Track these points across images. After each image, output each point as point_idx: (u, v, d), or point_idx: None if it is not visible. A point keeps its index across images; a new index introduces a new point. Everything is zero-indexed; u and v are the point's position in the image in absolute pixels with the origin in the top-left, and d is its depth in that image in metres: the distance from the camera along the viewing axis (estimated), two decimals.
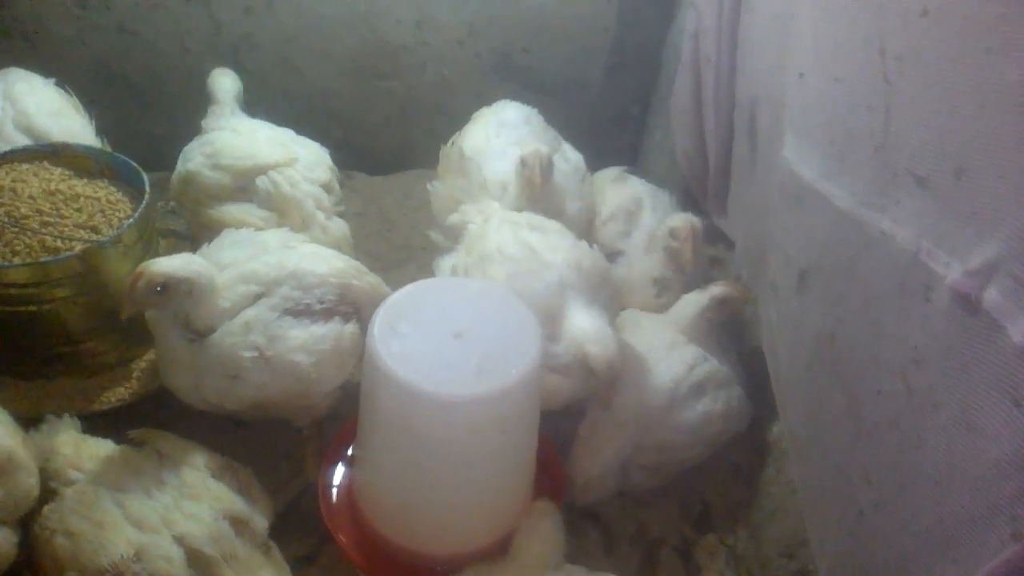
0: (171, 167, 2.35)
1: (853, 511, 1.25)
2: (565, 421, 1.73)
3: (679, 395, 1.66)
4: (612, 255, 1.97)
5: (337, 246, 1.92)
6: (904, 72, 1.11)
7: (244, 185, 1.96)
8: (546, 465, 1.67)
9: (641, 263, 1.98)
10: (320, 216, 2.00)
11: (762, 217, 1.76)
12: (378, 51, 2.46)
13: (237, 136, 2.01)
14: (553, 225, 1.77)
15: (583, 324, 1.57)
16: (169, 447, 1.50)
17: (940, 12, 1.02)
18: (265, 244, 1.71)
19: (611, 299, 1.71)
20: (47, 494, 1.45)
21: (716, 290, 1.78)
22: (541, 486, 1.63)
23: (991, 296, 0.92)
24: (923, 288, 1.05)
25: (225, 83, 2.12)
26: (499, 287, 1.55)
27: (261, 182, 1.95)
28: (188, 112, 2.16)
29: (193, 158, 1.98)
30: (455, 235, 1.86)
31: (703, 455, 1.72)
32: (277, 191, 1.94)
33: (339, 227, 2.03)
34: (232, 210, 1.94)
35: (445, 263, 1.83)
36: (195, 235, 2.05)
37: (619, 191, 2.11)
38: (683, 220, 1.88)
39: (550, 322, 1.57)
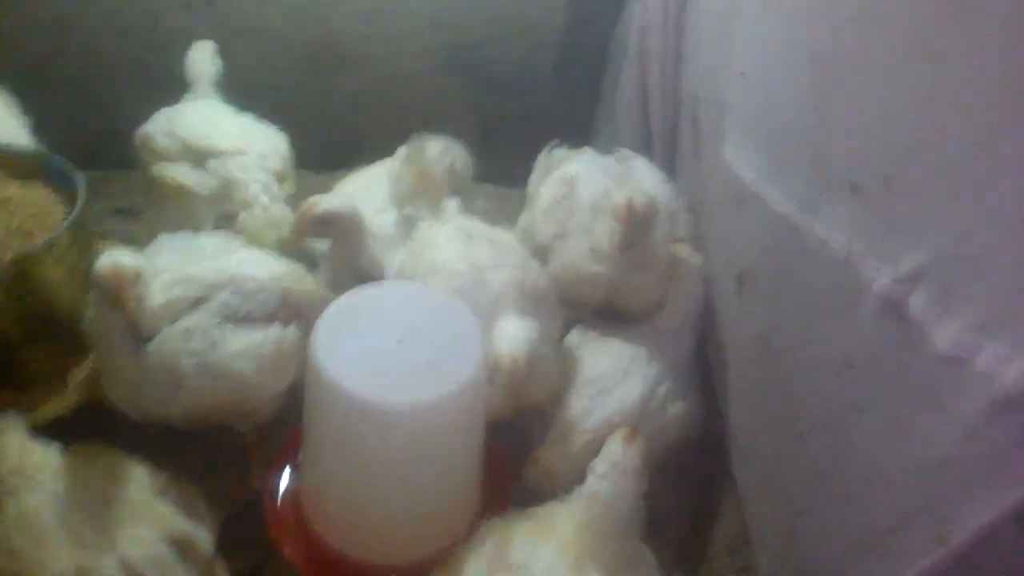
0: (113, 165, 2.31)
1: (790, 511, 1.27)
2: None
3: (646, 413, 1.64)
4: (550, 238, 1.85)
5: (275, 227, 1.97)
6: (836, 78, 1.12)
7: (195, 162, 2.01)
8: (494, 472, 1.66)
9: (579, 240, 1.79)
10: (263, 199, 2.00)
11: (706, 213, 1.78)
12: (327, 45, 2.42)
13: (199, 115, 2.06)
14: (506, 238, 1.76)
15: (503, 326, 1.55)
16: (115, 462, 1.46)
17: (869, 20, 1.04)
18: (203, 248, 1.67)
19: (552, 317, 1.69)
20: None
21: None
22: (488, 493, 1.62)
23: (917, 303, 0.93)
24: (854, 293, 1.06)
25: (199, 62, 2.14)
26: (442, 292, 1.54)
27: (213, 164, 1.99)
28: (128, 108, 2.09)
29: (156, 121, 2.05)
30: (409, 225, 1.85)
31: (658, 460, 1.71)
32: (227, 175, 1.99)
33: (281, 212, 2.03)
34: (177, 170, 2.01)
35: (394, 258, 1.81)
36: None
37: (549, 180, 1.93)
38: (622, 198, 1.67)
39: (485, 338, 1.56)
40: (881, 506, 1.01)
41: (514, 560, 1.33)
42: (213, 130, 2.03)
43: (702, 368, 1.79)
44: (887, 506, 1.00)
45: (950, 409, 0.88)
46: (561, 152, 1.94)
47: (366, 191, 2.05)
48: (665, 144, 2.02)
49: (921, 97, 0.94)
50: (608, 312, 1.83)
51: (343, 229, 1.78)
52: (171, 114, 2.06)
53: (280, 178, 2.08)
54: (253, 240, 1.94)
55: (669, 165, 2.03)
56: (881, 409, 1.01)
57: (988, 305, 0.83)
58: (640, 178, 1.85)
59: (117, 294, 1.46)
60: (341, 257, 1.82)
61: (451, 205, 1.86)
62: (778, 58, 1.30)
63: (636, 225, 1.65)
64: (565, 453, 1.60)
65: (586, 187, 1.82)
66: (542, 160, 1.95)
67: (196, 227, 1.99)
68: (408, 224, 1.87)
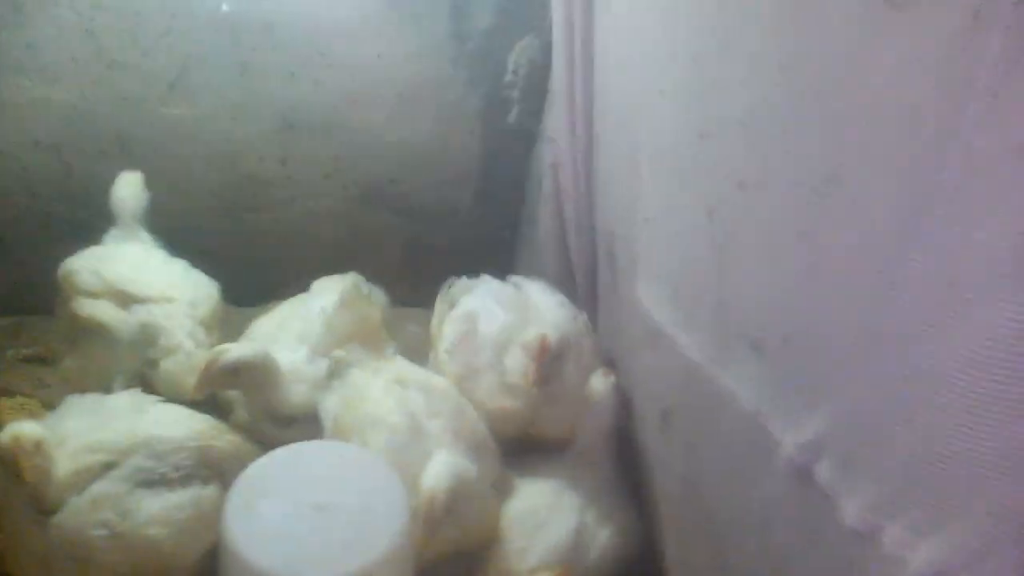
0: (27, 311, 2.24)
1: None
2: None
3: (581, 543, 1.63)
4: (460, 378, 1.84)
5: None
6: (731, 237, 1.17)
7: (119, 303, 1.96)
8: None
9: (488, 377, 1.79)
10: (188, 344, 1.96)
11: (627, 348, 1.80)
12: (243, 187, 2.42)
13: (129, 258, 2.04)
14: (441, 384, 1.75)
15: (432, 462, 1.52)
16: None
17: (755, 187, 1.08)
18: (114, 409, 1.62)
19: (489, 462, 1.68)
20: None
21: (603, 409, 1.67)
22: None
23: (822, 472, 0.95)
24: (766, 451, 1.08)
25: (125, 195, 2.10)
26: (363, 451, 1.50)
27: (137, 308, 1.94)
28: (41, 256, 2.04)
29: (83, 257, 2.01)
30: (339, 373, 1.79)
31: None
32: (152, 321, 1.95)
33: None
34: (98, 307, 1.96)
35: (326, 403, 1.77)
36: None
37: (450, 318, 1.94)
38: (533, 336, 1.71)
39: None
40: None
41: None
42: (141, 275, 2.00)
43: (628, 495, 1.78)
44: None
45: None
46: (460, 285, 1.96)
47: (281, 329, 2.01)
48: (586, 277, 2.06)
49: (811, 263, 0.98)
50: (522, 442, 1.82)
51: (254, 377, 1.74)
52: (100, 253, 2.02)
53: (207, 326, 2.04)
54: (174, 389, 1.89)
55: (591, 296, 2.06)
56: (804, 572, 1.01)
57: (889, 482, 0.83)
58: (539, 307, 1.87)
59: (16, 466, 1.40)
60: (254, 401, 1.78)
61: (389, 350, 1.83)
62: (678, 211, 1.35)
63: (549, 361, 1.67)
64: None
65: (487, 323, 1.83)
66: (441, 297, 1.96)
67: (116, 372, 1.96)
68: (339, 368, 1.83)
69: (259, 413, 1.78)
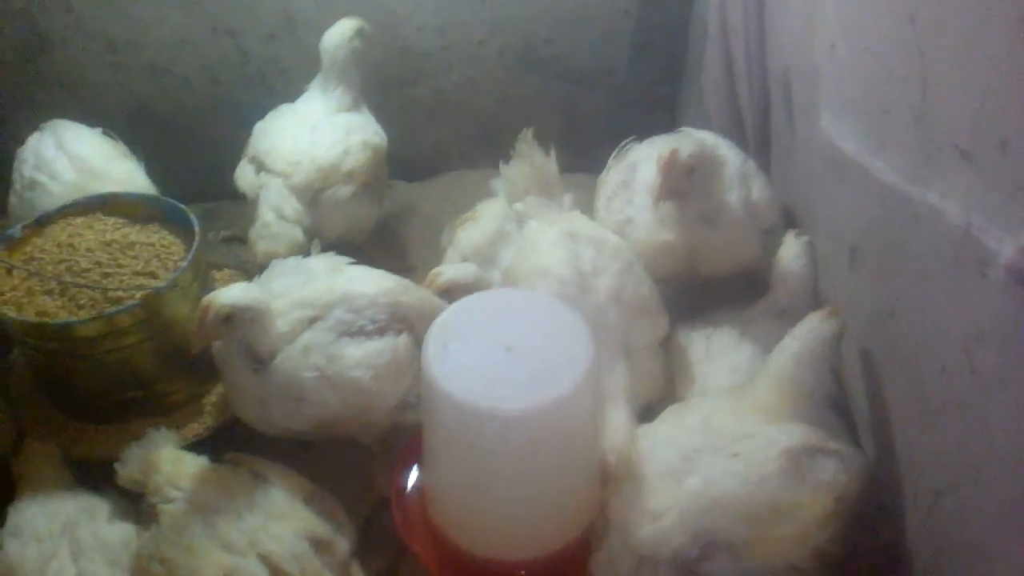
0: (215, 197, 2.42)
1: (928, 493, 1.23)
2: None
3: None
4: (619, 225, 1.87)
5: (277, 244, 1.99)
6: (937, 42, 1.08)
7: (256, 171, 2.09)
8: None
9: (645, 217, 1.81)
10: (268, 216, 2.03)
11: (807, 187, 1.73)
12: (402, 59, 2.46)
13: (277, 127, 2.12)
14: (613, 243, 1.75)
15: (609, 418, 1.54)
16: (265, 469, 1.58)
17: None
18: (313, 271, 1.74)
19: (654, 322, 1.69)
20: (147, 509, 1.54)
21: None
22: None
23: None
24: (978, 264, 1.02)
25: (332, 44, 2.12)
26: (547, 297, 1.55)
27: (264, 178, 2.06)
28: (225, 142, 2.20)
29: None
30: (519, 223, 1.86)
31: None
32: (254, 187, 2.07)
33: (287, 231, 2.04)
34: (242, 169, 2.12)
35: (504, 256, 1.84)
36: None
37: (615, 168, 1.95)
38: (663, 149, 1.70)
39: None
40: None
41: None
42: (276, 143, 2.07)
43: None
44: None
45: None
46: (633, 146, 1.95)
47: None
48: (756, 121, 1.97)
49: None
50: (703, 287, 1.81)
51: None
52: (265, 121, 2.13)
53: (309, 194, 2.05)
54: (263, 255, 1.98)
55: (763, 141, 1.98)
56: (1020, 383, 0.97)
57: None
58: (701, 138, 1.82)
59: (221, 327, 1.55)
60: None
61: (566, 199, 1.86)
62: (870, 25, 1.26)
63: (678, 173, 1.63)
64: None
65: (646, 169, 1.82)
66: (613, 157, 1.96)
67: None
68: (518, 221, 1.88)
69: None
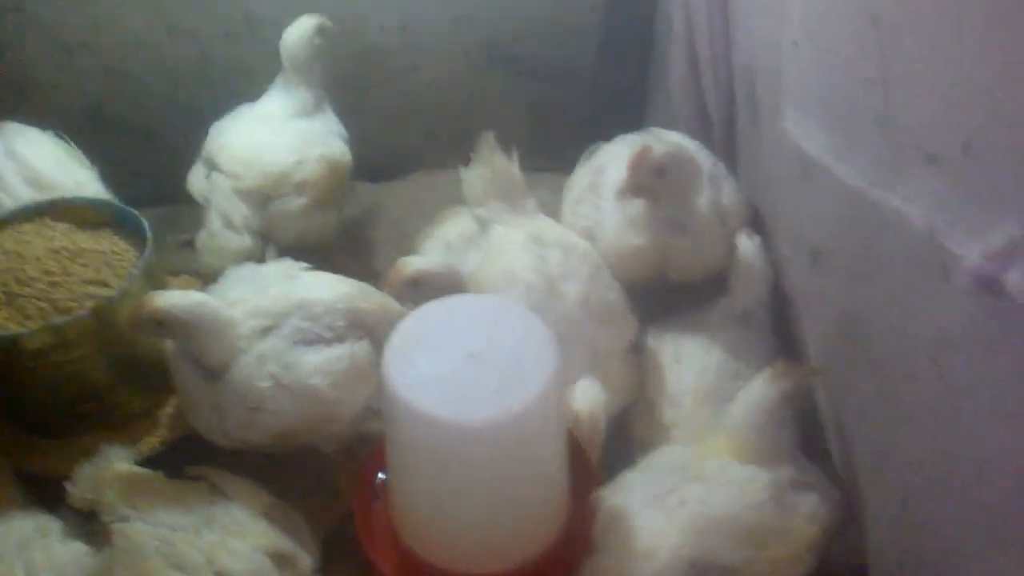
0: (174, 200, 2.36)
1: (897, 497, 1.22)
2: None
3: None
4: (587, 230, 1.85)
5: (221, 255, 1.96)
6: (901, 43, 1.06)
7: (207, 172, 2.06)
8: (580, 470, 1.65)
9: (614, 220, 1.78)
10: (215, 223, 1.99)
11: (771, 188, 1.72)
12: (366, 60, 2.42)
13: (232, 128, 2.07)
14: (579, 244, 1.73)
15: (578, 387, 1.55)
16: (224, 482, 1.54)
17: None
18: (268, 277, 1.70)
19: (622, 327, 1.68)
20: (100, 529, 1.49)
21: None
22: (579, 483, 1.61)
23: (1014, 278, 0.87)
24: (942, 269, 1.01)
25: (292, 42, 2.06)
26: (511, 303, 1.53)
27: (215, 178, 2.02)
28: (185, 144, 2.14)
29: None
30: (482, 228, 1.82)
31: None
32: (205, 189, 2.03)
33: (233, 242, 2.00)
34: (193, 173, 2.08)
35: (470, 260, 1.81)
36: None
37: (581, 170, 1.94)
38: (634, 148, 1.69)
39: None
40: (998, 490, 0.96)
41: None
42: (227, 142, 2.02)
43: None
44: (1005, 490, 0.94)
45: None
46: (600, 147, 1.93)
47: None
48: (722, 121, 1.96)
49: (997, 59, 0.88)
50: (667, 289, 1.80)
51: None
52: (220, 123, 2.07)
53: (259, 198, 1.99)
54: (208, 268, 1.95)
55: (729, 142, 1.96)
56: (985, 389, 0.95)
57: None
58: (674, 141, 1.81)
59: (154, 330, 1.50)
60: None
61: (530, 203, 1.82)
62: (833, 24, 1.24)
63: (647, 171, 1.60)
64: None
65: (613, 171, 1.79)
66: (581, 160, 1.94)
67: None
68: (481, 226, 1.84)
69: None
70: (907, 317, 1.12)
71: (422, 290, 1.64)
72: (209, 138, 2.08)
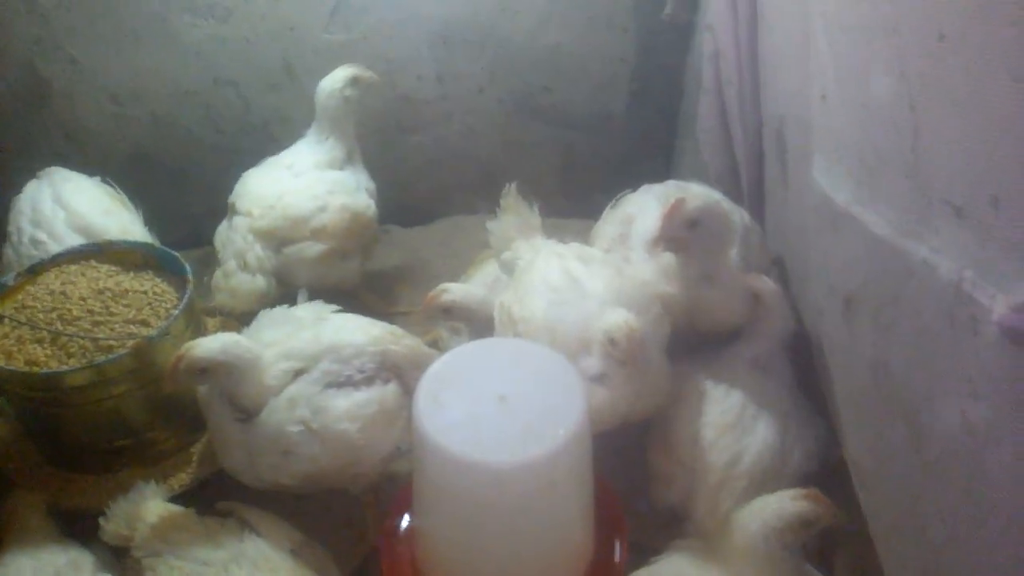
0: (212, 243, 2.43)
1: (928, 546, 1.20)
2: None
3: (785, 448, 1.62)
4: None
5: (234, 296, 2.01)
6: (928, 97, 1.07)
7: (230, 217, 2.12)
8: (604, 502, 1.64)
9: (642, 267, 1.79)
10: (230, 264, 2.03)
11: (800, 238, 1.72)
12: (401, 107, 2.49)
13: (258, 174, 2.14)
14: (602, 256, 1.76)
15: (609, 314, 1.54)
16: (254, 519, 1.56)
17: (958, 38, 0.99)
18: (300, 320, 1.73)
19: (657, 322, 1.66)
20: (132, 564, 1.51)
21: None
22: (602, 525, 1.61)
23: None
24: (971, 320, 1.01)
25: (319, 95, 2.11)
26: (541, 347, 1.54)
27: (236, 221, 2.07)
28: (225, 188, 2.21)
29: None
30: (509, 271, 1.86)
31: None
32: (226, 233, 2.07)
33: (246, 284, 2.03)
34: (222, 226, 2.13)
35: (496, 301, 1.83)
36: None
37: (610, 219, 1.96)
38: (662, 198, 1.77)
39: (586, 349, 1.56)
40: None
41: None
42: (249, 186, 2.07)
43: (808, 393, 1.74)
44: None
45: None
46: (626, 197, 1.96)
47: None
48: (751, 170, 1.98)
49: (1016, 117, 0.89)
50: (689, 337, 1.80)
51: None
52: (260, 164, 2.14)
53: (276, 241, 2.03)
54: (221, 308, 1.99)
55: (757, 191, 1.98)
56: (1013, 440, 0.95)
57: None
58: (702, 193, 1.82)
59: (195, 377, 1.53)
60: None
61: (547, 240, 1.86)
62: (862, 77, 1.26)
63: (680, 223, 1.61)
64: (723, 501, 1.59)
65: (642, 222, 1.83)
66: (607, 209, 1.97)
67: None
68: (507, 270, 1.88)
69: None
70: (935, 367, 1.12)
71: (452, 317, 1.77)
72: (236, 185, 2.13)
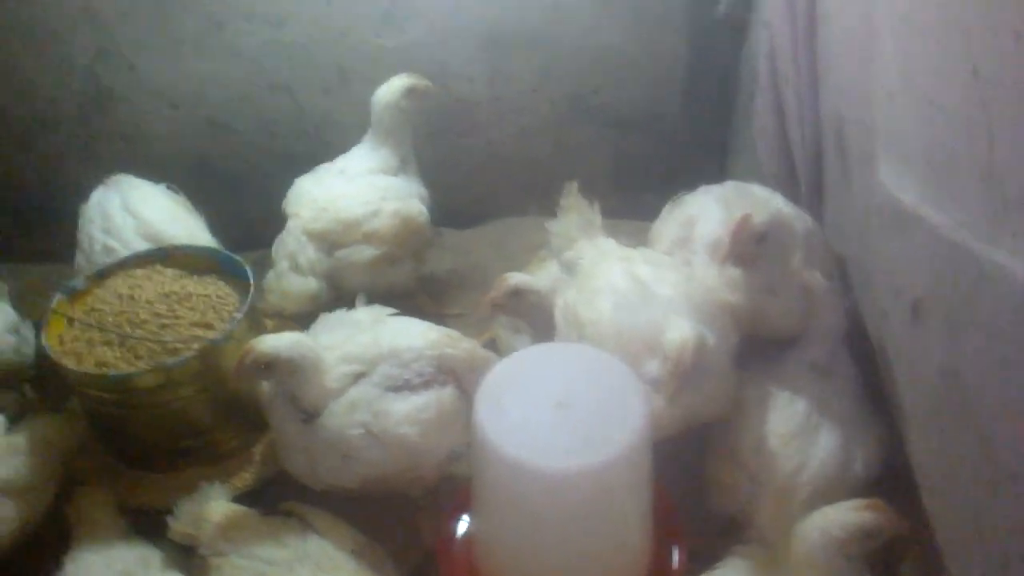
0: (268, 246, 2.47)
1: (998, 560, 1.17)
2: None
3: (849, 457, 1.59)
4: None
5: (285, 297, 2.03)
6: (1002, 97, 1.04)
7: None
8: (661, 508, 1.63)
9: (707, 275, 1.77)
10: (283, 264, 2.06)
11: (862, 239, 1.69)
12: (454, 110, 2.50)
13: (313, 179, 2.17)
14: (668, 260, 1.75)
15: (672, 321, 1.52)
16: (317, 521, 1.59)
17: None
18: (359, 323, 1.75)
19: (725, 331, 1.64)
20: (199, 562, 1.55)
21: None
22: (659, 531, 1.60)
23: None
24: None
25: (382, 102, 2.12)
26: (602, 353, 1.53)
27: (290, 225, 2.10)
28: (281, 193, 2.24)
29: None
30: (570, 271, 1.84)
31: None
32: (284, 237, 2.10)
33: (296, 285, 2.06)
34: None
35: (559, 300, 1.83)
36: None
37: (669, 221, 1.94)
38: (722, 202, 1.77)
39: (651, 354, 1.54)
40: None
41: None
42: (303, 190, 2.11)
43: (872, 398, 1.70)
44: None
45: None
46: (685, 198, 1.94)
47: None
48: (809, 169, 1.94)
49: None
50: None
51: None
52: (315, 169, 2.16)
53: (329, 243, 2.06)
54: (273, 308, 2.02)
55: (815, 193, 1.94)
56: None
57: None
58: (764, 200, 1.81)
59: (261, 372, 1.56)
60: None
61: (610, 241, 1.84)
62: (932, 75, 1.23)
63: (748, 239, 1.59)
64: (787, 510, 1.55)
65: (704, 223, 1.81)
66: (666, 209, 1.94)
67: None
68: (570, 266, 1.85)
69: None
70: (1009, 375, 1.09)
71: (517, 306, 1.73)
72: (289, 191, 2.17)
